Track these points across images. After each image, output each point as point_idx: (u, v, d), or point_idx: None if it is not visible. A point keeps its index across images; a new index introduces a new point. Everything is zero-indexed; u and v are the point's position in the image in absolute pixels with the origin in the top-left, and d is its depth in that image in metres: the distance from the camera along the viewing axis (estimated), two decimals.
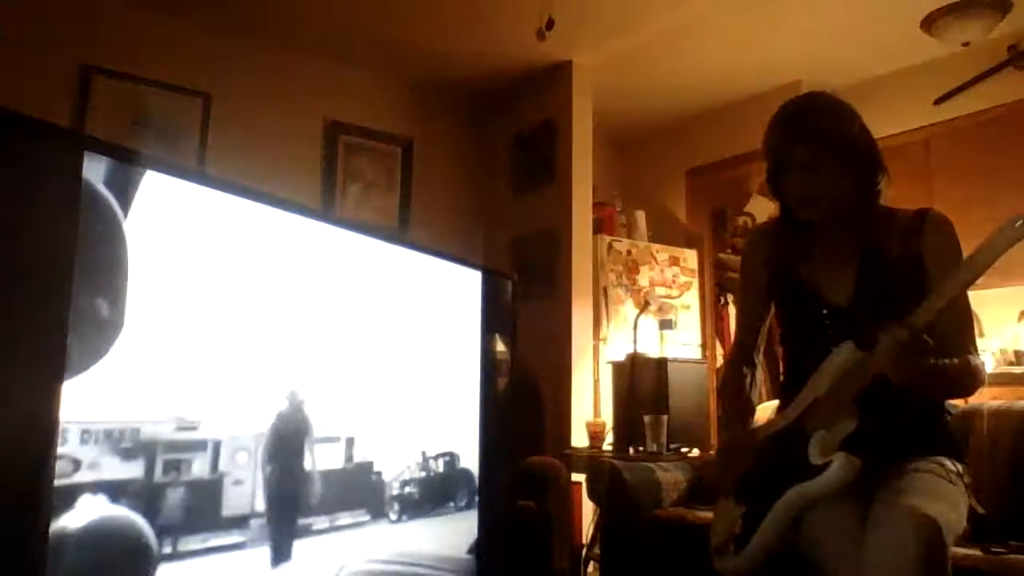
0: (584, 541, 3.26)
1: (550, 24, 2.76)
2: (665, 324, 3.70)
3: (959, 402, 2.17)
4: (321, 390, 1.64)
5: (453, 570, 2.01)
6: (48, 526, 1.08)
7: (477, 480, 2.14)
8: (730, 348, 1.90)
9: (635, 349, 3.33)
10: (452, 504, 2.05)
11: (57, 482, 1.10)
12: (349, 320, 1.73)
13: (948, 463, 1.47)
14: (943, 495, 1.36)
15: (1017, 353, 3.26)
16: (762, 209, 4.59)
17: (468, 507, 2.11)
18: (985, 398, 2.16)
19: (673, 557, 2.17)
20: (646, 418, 3.00)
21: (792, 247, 1.67)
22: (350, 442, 1.71)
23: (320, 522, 1.62)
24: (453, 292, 2.12)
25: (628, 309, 3.79)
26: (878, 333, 1.33)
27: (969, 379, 1.46)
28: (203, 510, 1.35)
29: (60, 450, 1.11)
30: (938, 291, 1.31)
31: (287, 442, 1.55)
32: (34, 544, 1.06)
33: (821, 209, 1.55)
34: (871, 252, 1.56)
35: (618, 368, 3.38)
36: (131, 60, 3.28)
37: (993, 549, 1.70)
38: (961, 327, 1.48)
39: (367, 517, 1.75)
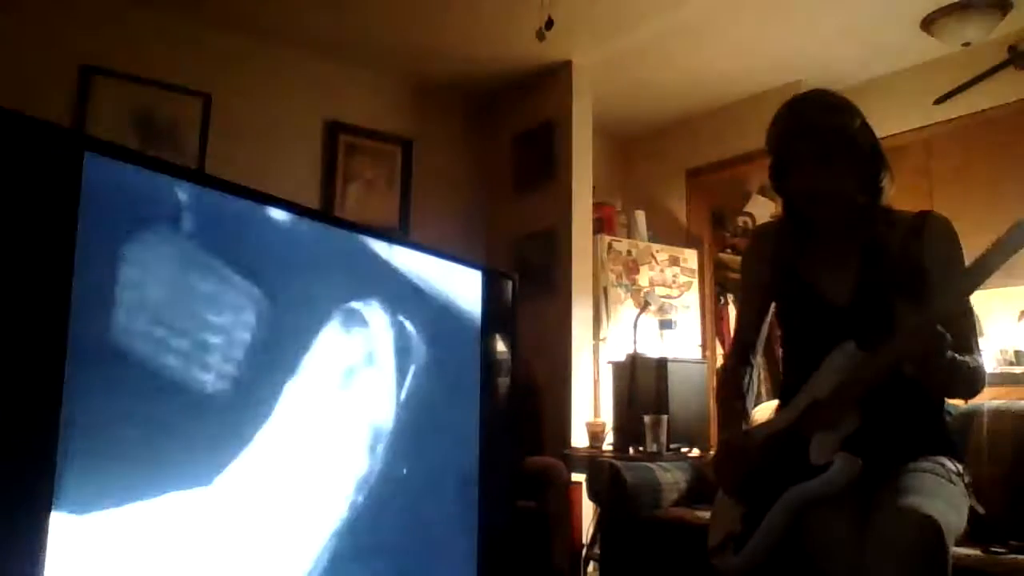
0: (584, 541, 3.26)
1: (550, 24, 2.75)
2: (665, 324, 3.70)
3: (959, 402, 2.17)
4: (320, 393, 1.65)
5: None
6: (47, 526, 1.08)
7: (477, 480, 2.14)
8: (728, 347, 1.89)
9: (635, 349, 3.33)
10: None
11: None
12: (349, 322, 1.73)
13: (948, 463, 1.47)
14: (943, 495, 1.36)
15: (1017, 353, 3.27)
16: (762, 209, 4.60)
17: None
18: (985, 398, 2.16)
19: (673, 557, 2.17)
20: (646, 418, 3.00)
21: (793, 246, 1.66)
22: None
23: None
24: (453, 291, 2.12)
25: (628, 309, 3.79)
26: (902, 320, 1.32)
27: (976, 379, 1.46)
28: None
29: None
30: (946, 292, 1.31)
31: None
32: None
33: (824, 205, 1.55)
34: (872, 253, 1.56)
35: (618, 368, 3.38)
36: (131, 60, 3.28)
37: (993, 549, 1.70)
38: (965, 328, 1.48)
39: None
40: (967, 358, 1.42)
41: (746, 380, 1.73)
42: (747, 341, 1.77)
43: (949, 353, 1.36)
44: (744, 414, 1.68)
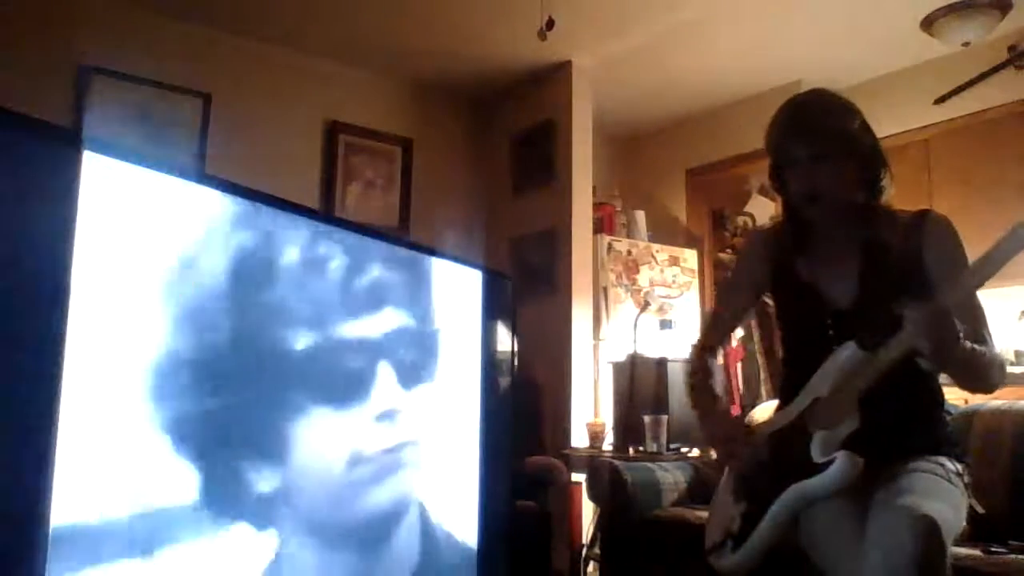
0: (584, 541, 3.26)
1: (550, 24, 2.76)
2: (665, 324, 3.70)
3: (959, 402, 2.17)
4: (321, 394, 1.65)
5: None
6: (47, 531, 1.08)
7: (477, 480, 2.14)
8: (698, 339, 1.90)
9: (635, 349, 3.33)
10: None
11: None
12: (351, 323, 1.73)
13: (948, 463, 1.47)
14: (942, 495, 1.36)
15: (1017, 353, 3.26)
16: (762, 209, 4.60)
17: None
18: (985, 398, 2.16)
19: (673, 557, 2.17)
20: (646, 418, 3.00)
21: (793, 247, 1.67)
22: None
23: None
24: (453, 292, 2.12)
25: (628, 309, 3.79)
26: (903, 311, 1.32)
27: (995, 368, 1.46)
28: None
29: None
30: (948, 289, 1.31)
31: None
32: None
33: (823, 205, 1.55)
34: (872, 253, 1.56)
35: (618, 368, 3.38)
36: (131, 60, 3.28)
37: (993, 549, 1.70)
38: (976, 322, 1.48)
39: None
40: (982, 348, 1.42)
41: (712, 372, 1.75)
42: (717, 336, 1.81)
43: (967, 344, 1.35)
44: (717, 400, 1.72)
